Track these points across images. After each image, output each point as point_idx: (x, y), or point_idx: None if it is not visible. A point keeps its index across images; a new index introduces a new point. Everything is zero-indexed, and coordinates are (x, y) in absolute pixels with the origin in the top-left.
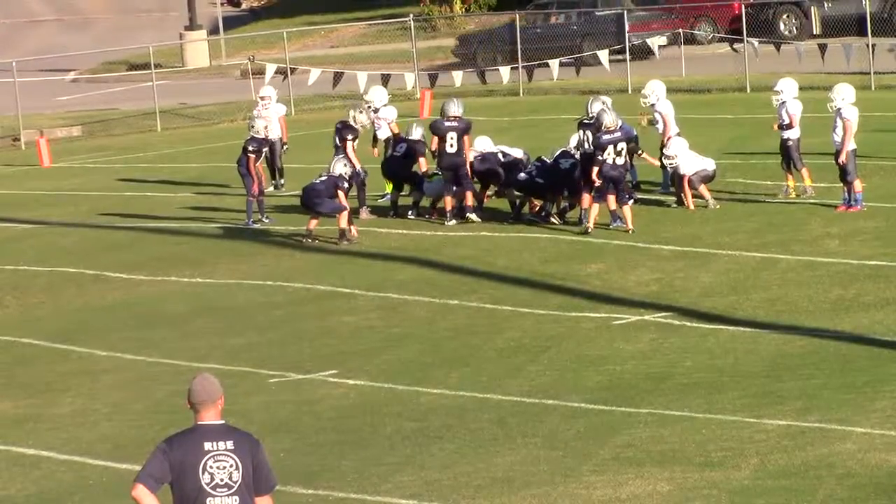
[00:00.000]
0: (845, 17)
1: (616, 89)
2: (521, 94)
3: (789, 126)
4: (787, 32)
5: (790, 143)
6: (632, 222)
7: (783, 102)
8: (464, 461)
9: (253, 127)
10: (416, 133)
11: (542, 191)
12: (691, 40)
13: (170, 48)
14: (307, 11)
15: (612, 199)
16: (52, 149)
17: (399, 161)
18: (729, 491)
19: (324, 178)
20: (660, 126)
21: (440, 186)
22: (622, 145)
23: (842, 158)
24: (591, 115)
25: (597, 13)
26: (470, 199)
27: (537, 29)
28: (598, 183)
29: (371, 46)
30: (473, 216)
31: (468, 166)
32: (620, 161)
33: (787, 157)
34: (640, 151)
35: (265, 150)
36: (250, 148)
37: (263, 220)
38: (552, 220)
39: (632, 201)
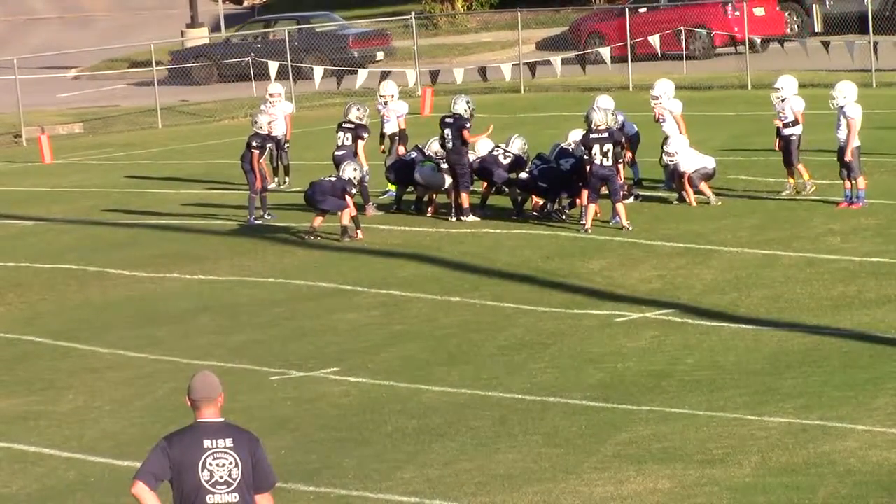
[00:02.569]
0: (847, 15)
1: (617, 87)
2: (523, 91)
3: (794, 123)
4: (788, 30)
5: (793, 138)
6: (626, 219)
7: (784, 100)
8: (465, 458)
9: (256, 122)
10: (435, 146)
11: (544, 192)
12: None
13: (171, 45)
14: (308, 8)
15: (586, 193)
16: (53, 146)
17: (407, 165)
18: (730, 488)
19: (333, 179)
20: (668, 125)
21: (431, 172)
22: (608, 146)
23: (847, 155)
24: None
25: (317, 29)
26: (465, 200)
27: (257, 44)
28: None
29: None
30: (468, 218)
31: (468, 165)
32: (608, 162)
33: (788, 153)
34: (623, 156)
35: (269, 146)
36: (254, 144)
37: (266, 216)
38: (555, 216)
39: (633, 198)
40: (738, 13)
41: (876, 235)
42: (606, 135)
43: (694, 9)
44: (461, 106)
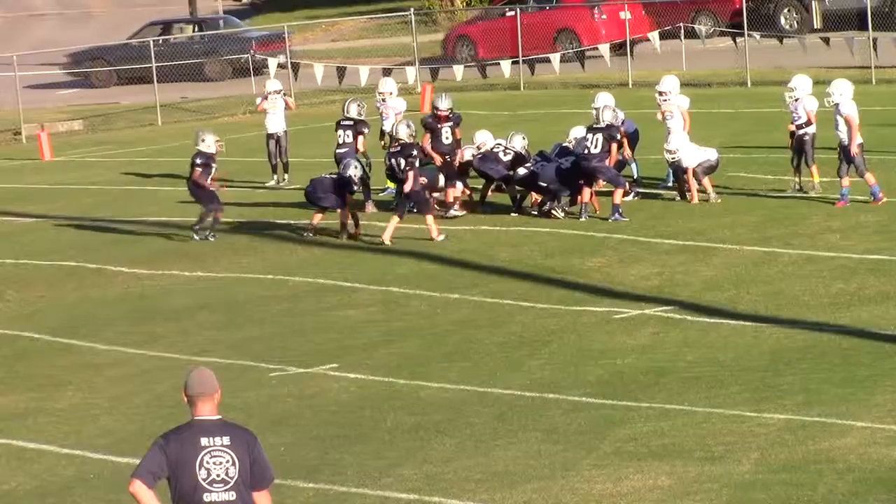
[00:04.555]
0: (846, 12)
1: (617, 83)
2: (522, 89)
3: (808, 123)
4: (787, 26)
5: (806, 138)
6: (438, 233)
7: (797, 99)
8: (464, 455)
9: (204, 141)
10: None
11: (544, 190)
12: (692, 34)
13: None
14: (308, 5)
15: (586, 191)
16: (52, 143)
17: None
18: (729, 485)
19: (334, 177)
20: (674, 121)
21: (431, 174)
22: (402, 160)
23: (853, 150)
24: (601, 121)
25: (221, 32)
26: (450, 196)
27: (158, 47)
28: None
29: (372, 40)
30: (453, 212)
31: (456, 161)
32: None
33: (802, 152)
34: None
35: (214, 166)
36: (198, 161)
37: (196, 236)
38: (554, 213)
39: (632, 196)
40: (604, 16)
41: (875, 233)
42: (399, 148)
43: (562, 12)
44: (447, 103)
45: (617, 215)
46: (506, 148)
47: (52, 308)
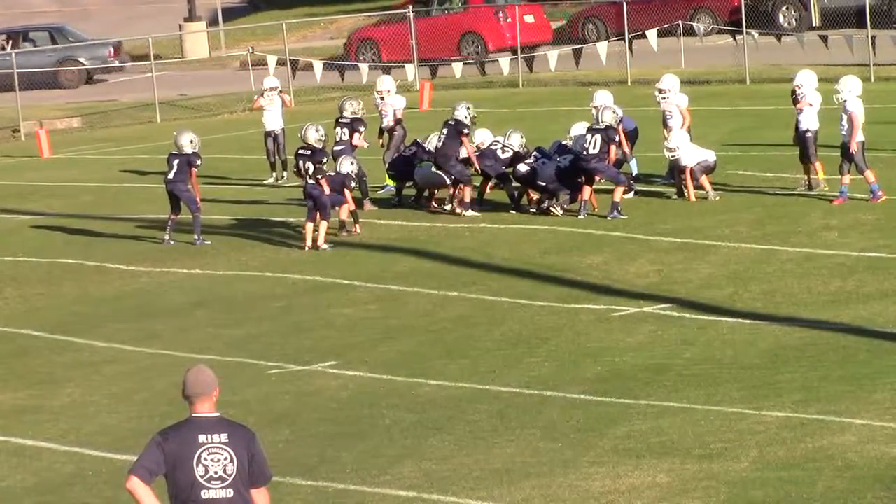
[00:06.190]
0: (844, 9)
1: (616, 81)
2: (521, 86)
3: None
4: (786, 24)
5: (808, 135)
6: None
7: (802, 96)
8: (463, 453)
9: (192, 142)
10: (435, 141)
11: (542, 189)
12: (690, 32)
13: (169, 39)
14: (307, 3)
15: (587, 189)
16: (51, 140)
17: (407, 160)
18: (728, 482)
19: (332, 175)
20: (674, 120)
21: (429, 172)
22: (309, 163)
23: (853, 148)
24: (601, 122)
25: (67, 42)
26: (467, 194)
27: (7, 56)
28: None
29: None
30: (466, 212)
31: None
32: (311, 181)
33: (804, 148)
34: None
35: (198, 163)
36: (197, 163)
37: (166, 238)
38: (552, 211)
39: (632, 193)
40: (509, 20)
41: (874, 230)
42: (309, 152)
43: (467, 15)
44: (461, 112)
45: (615, 213)
46: (504, 146)
47: (50, 305)
